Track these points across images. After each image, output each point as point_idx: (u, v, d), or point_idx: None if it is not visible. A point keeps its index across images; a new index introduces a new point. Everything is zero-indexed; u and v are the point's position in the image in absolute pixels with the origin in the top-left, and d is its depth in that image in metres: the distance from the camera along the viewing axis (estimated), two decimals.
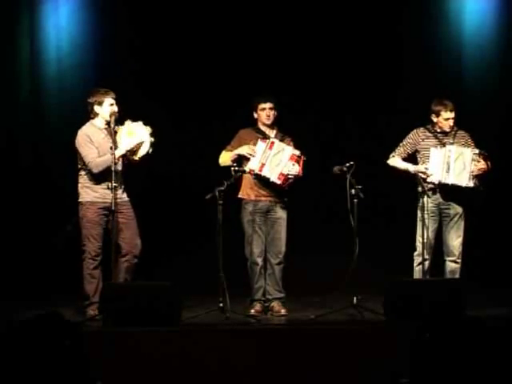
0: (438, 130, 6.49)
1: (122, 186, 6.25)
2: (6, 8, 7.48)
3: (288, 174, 6.29)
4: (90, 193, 6.18)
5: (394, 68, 7.65)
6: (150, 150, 6.16)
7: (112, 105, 6.22)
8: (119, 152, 6.08)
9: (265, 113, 6.46)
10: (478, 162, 6.31)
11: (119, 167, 6.21)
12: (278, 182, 6.31)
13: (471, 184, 6.32)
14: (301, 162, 6.35)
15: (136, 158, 6.18)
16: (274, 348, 5.12)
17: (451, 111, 6.40)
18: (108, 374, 4.57)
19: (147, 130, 6.17)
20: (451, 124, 6.44)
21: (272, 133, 6.52)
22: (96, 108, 6.21)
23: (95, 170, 6.12)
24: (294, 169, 6.30)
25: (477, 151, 6.35)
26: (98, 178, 6.14)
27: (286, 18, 7.64)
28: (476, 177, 6.33)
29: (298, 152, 6.35)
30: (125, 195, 6.27)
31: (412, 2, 7.76)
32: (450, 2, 7.82)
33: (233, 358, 5.01)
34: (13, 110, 7.55)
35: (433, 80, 7.50)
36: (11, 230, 7.37)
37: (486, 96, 7.63)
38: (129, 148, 6.11)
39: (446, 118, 6.41)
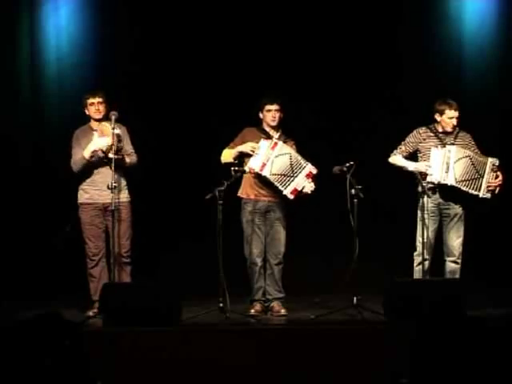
0: (440, 130, 6.49)
1: (121, 188, 6.26)
2: (6, 8, 7.48)
3: (301, 191, 6.31)
4: (83, 194, 6.30)
5: (394, 68, 7.64)
6: (120, 145, 6.18)
7: (92, 104, 6.24)
8: (86, 152, 6.15)
9: (271, 114, 6.45)
10: (496, 172, 6.33)
11: (104, 168, 6.19)
12: (291, 196, 6.31)
13: (488, 195, 6.33)
14: (314, 179, 6.37)
15: (110, 155, 6.09)
16: (274, 348, 5.12)
17: (455, 110, 6.42)
18: (108, 374, 4.57)
19: (109, 125, 6.14)
20: (454, 123, 6.44)
21: (276, 134, 6.51)
22: (85, 109, 6.32)
23: (74, 170, 6.25)
24: (309, 188, 6.31)
25: (497, 163, 6.36)
26: (88, 179, 6.22)
27: (287, 17, 7.62)
28: (499, 188, 6.35)
29: (315, 171, 6.35)
30: (122, 196, 6.27)
31: (412, 2, 7.75)
32: (449, 2, 7.81)
33: (233, 358, 5.01)
34: (13, 110, 7.54)
35: (433, 80, 7.50)
36: (11, 230, 7.35)
37: (485, 96, 7.62)
38: (96, 148, 6.14)
39: (450, 117, 6.42)
